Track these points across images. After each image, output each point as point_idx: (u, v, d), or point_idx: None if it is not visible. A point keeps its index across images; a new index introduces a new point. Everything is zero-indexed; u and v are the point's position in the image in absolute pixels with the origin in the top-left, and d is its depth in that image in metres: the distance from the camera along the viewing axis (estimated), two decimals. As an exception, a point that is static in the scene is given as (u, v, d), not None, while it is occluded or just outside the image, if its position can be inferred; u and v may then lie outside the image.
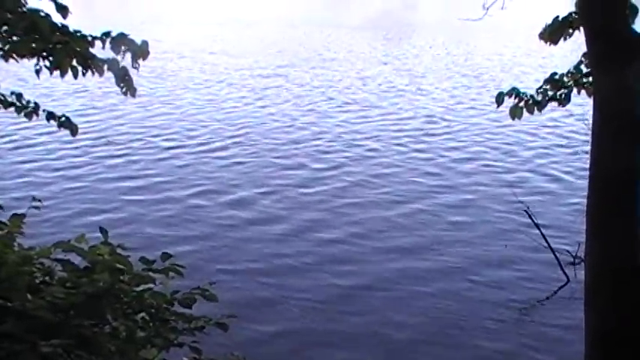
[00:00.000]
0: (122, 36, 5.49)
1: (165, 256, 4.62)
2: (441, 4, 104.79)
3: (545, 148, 21.16)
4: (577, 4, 5.23)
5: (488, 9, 7.26)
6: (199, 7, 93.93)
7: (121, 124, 22.98)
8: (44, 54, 5.61)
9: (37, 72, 5.84)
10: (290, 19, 69.89)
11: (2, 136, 20.31)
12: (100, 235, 4.57)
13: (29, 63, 6.00)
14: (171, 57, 37.18)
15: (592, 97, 4.90)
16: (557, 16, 6.68)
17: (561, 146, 21.28)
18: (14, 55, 5.87)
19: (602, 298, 4.88)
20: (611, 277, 4.82)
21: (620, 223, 4.73)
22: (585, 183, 4.93)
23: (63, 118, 6.89)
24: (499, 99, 7.56)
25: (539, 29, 6.98)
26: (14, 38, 5.68)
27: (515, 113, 7.48)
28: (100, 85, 22.37)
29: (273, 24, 64.56)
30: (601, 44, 4.58)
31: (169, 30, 57.20)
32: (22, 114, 6.93)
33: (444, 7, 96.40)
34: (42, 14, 5.47)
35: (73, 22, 5.77)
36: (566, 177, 18.21)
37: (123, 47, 5.47)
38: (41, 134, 19.72)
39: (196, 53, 41.72)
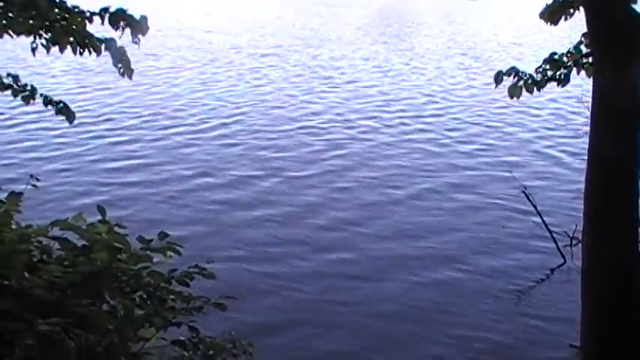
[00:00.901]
0: (121, 11, 5.42)
1: (163, 235, 4.61)
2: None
3: (544, 129, 21.16)
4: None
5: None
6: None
7: (117, 103, 22.85)
8: (41, 31, 5.53)
9: (34, 50, 5.75)
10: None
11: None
12: (97, 214, 4.56)
13: (19, 40, 5.93)
14: (166, 34, 36.96)
15: (592, 80, 4.86)
16: (557, -5, 6.62)
17: (561, 127, 21.29)
18: (10, 32, 5.79)
19: (599, 286, 4.86)
20: (607, 265, 4.80)
21: (617, 211, 4.71)
22: (584, 165, 4.91)
23: (61, 104, 6.81)
24: (498, 78, 7.49)
25: (539, 9, 6.92)
26: (10, 15, 5.61)
27: (514, 92, 7.42)
28: (94, 62, 22.22)
29: (270, 2, 64.19)
30: (601, 27, 4.54)
31: (164, 6, 56.87)
32: (19, 97, 6.83)
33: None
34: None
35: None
36: (565, 158, 18.22)
37: (122, 23, 5.40)
38: (37, 112, 19.59)
39: (192, 31, 41.59)
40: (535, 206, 12.95)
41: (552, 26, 6.89)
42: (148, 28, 5.47)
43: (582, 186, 4.84)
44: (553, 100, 23.49)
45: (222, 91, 25.41)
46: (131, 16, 5.45)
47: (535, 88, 7.48)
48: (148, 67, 27.90)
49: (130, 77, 5.85)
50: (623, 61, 4.48)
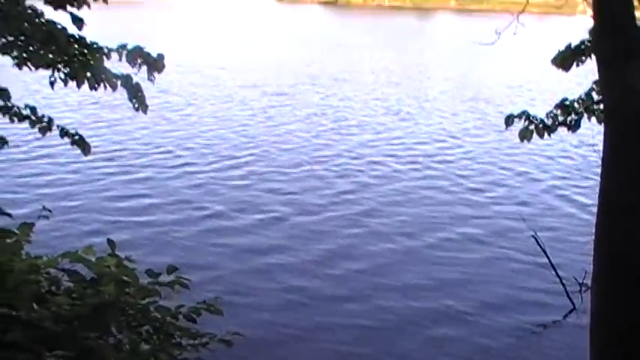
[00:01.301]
0: (138, 49, 5.52)
1: (171, 268, 4.62)
2: (453, 27, 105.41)
3: (554, 174, 21.15)
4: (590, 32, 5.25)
5: (500, 34, 7.30)
6: (211, 21, 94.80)
7: (130, 138, 23.10)
8: (59, 65, 5.64)
9: (52, 83, 5.87)
10: (302, 37, 70.30)
11: (16, 147, 20.30)
12: (107, 248, 4.58)
13: (36, 73, 6.04)
14: (180, 71, 37.35)
15: (603, 125, 4.88)
16: (570, 44, 6.71)
17: (571, 173, 21.27)
18: (29, 64, 5.91)
19: (608, 333, 4.83)
20: (616, 312, 4.78)
21: (628, 258, 4.69)
22: (595, 211, 4.91)
23: (77, 136, 6.90)
24: (509, 121, 7.59)
25: (551, 54, 7.01)
26: (31, 48, 5.74)
27: (525, 135, 7.50)
28: (110, 96, 22.47)
29: (284, 41, 64.91)
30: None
31: (180, 44, 57.58)
32: (36, 128, 6.93)
33: (457, 30, 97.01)
34: (59, 26, 5.52)
35: (87, 34, 5.81)
36: (576, 204, 18.18)
37: (139, 60, 5.50)
38: (53, 146, 19.73)
39: (206, 68, 41.99)
40: (545, 251, 12.91)
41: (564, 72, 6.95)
42: (164, 66, 5.58)
43: (593, 232, 4.83)
44: (564, 145, 23.50)
45: (235, 131, 25.50)
46: (148, 54, 5.56)
47: (546, 133, 7.54)
48: (161, 103, 28.19)
49: (145, 112, 5.94)
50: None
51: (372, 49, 59.13)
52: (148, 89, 6.03)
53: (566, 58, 6.68)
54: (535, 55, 49.91)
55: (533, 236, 13.26)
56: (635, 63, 4.45)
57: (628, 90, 4.48)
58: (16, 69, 6.12)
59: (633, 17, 4.68)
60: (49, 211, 5.04)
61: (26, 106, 7.06)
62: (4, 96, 6.92)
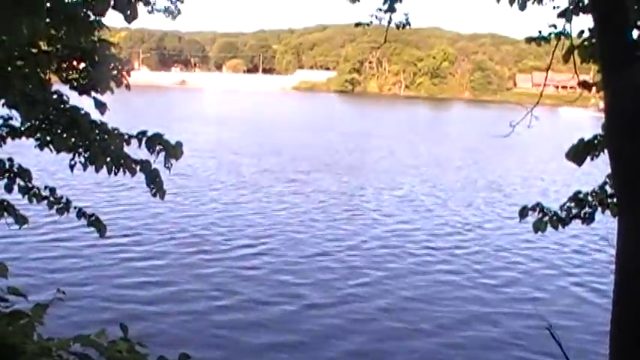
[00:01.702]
0: (157, 136, 5.66)
1: (184, 356, 4.57)
2: (467, 117, 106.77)
3: (569, 265, 20.94)
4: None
5: (514, 127, 7.40)
6: (232, 107, 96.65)
7: (147, 223, 23.21)
8: (80, 149, 5.78)
9: (72, 167, 6.00)
10: (318, 125, 71.43)
11: (33, 228, 20.34)
12: (120, 332, 4.56)
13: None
14: (195, 155, 37.88)
15: (617, 220, 4.89)
16: (583, 138, 6.80)
17: (585, 265, 21.05)
18: (51, 147, 6.06)
19: None
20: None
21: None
22: (609, 304, 4.85)
23: (93, 217, 7.01)
24: (523, 213, 7.61)
25: (564, 146, 7.09)
26: (53, 132, 5.91)
27: (539, 227, 7.50)
28: (127, 179, 22.69)
29: (301, 128, 65.93)
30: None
31: (200, 128, 58.68)
32: (54, 209, 7.07)
33: (471, 120, 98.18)
34: (82, 112, 5.69)
35: (109, 118, 5.97)
36: (590, 296, 17.94)
37: (158, 147, 5.63)
38: (69, 229, 19.82)
39: (220, 153, 42.66)
40: (559, 344, 12.63)
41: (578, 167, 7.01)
42: (182, 153, 5.69)
43: (607, 326, 4.77)
44: (578, 237, 23.36)
45: (249, 218, 25.49)
46: (167, 141, 5.69)
47: (560, 225, 7.55)
48: (176, 186, 28.46)
49: (162, 198, 6.03)
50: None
51: (387, 138, 59.94)
52: (165, 172, 6.14)
53: (580, 152, 6.74)
54: (549, 147, 50.59)
55: (547, 329, 13.01)
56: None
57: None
58: (37, 149, 6.31)
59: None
60: (64, 293, 5.05)
61: (46, 187, 7.22)
62: (25, 177, 7.07)
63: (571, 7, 7.08)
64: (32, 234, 18.90)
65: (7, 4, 3.57)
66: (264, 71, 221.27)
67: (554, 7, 7.48)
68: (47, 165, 26.86)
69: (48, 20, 5.10)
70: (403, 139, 60.59)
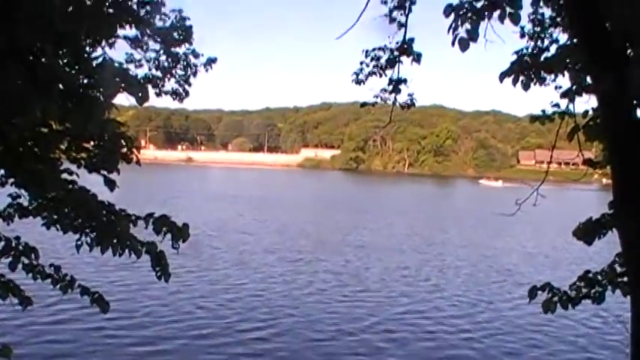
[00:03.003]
0: (164, 218, 5.68)
1: None
2: (472, 194, 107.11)
3: (580, 348, 20.53)
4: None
5: (520, 205, 7.42)
6: (233, 183, 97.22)
7: (147, 299, 22.99)
8: (87, 230, 5.80)
9: (78, 247, 6.01)
10: (323, 202, 71.63)
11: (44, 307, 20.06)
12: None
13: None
14: (200, 234, 37.82)
15: (630, 299, 4.84)
16: (591, 217, 6.81)
17: (598, 346, 20.66)
18: (58, 226, 6.09)
19: None
20: None
21: None
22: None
23: (96, 295, 7.01)
24: (532, 293, 7.55)
25: (570, 223, 7.10)
26: (61, 212, 5.94)
27: (548, 307, 7.44)
28: (132, 259, 22.53)
29: (306, 205, 66.08)
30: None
31: (202, 205, 58.87)
32: (58, 287, 7.08)
33: (476, 198, 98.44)
34: (90, 192, 5.73)
35: (117, 194, 5.99)
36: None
37: (164, 229, 5.65)
38: (77, 309, 19.59)
39: (228, 232, 42.59)
40: None
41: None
42: (188, 236, 5.71)
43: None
44: (588, 315, 23.00)
45: (250, 295, 25.18)
46: (174, 223, 5.72)
47: (570, 305, 7.48)
48: (179, 265, 28.21)
49: (167, 281, 6.00)
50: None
51: (391, 216, 59.95)
52: (168, 250, 6.13)
53: (588, 231, 6.75)
54: (554, 225, 50.46)
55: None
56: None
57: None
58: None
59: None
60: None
61: (51, 265, 7.25)
62: (31, 255, 7.09)
63: (574, 87, 7.20)
64: (37, 315, 18.70)
65: (22, 88, 3.66)
66: (270, 149, 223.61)
67: (556, 87, 7.62)
68: (52, 241, 26.82)
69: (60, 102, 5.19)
70: (408, 217, 60.59)
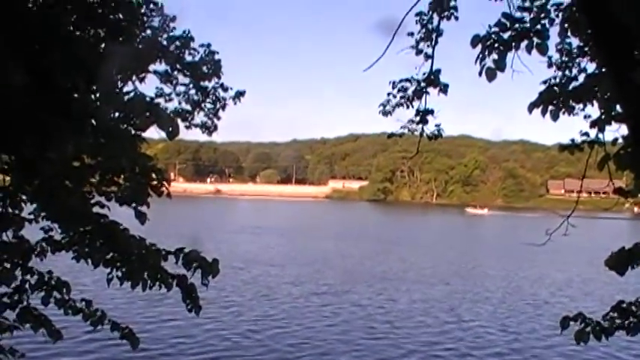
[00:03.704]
0: (194, 253, 5.71)
1: None
2: (500, 225, 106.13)
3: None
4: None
5: (550, 235, 7.34)
6: (261, 215, 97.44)
7: (176, 335, 22.94)
8: (118, 264, 5.85)
9: (109, 281, 6.05)
10: (350, 234, 71.43)
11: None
12: None
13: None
14: (232, 266, 37.83)
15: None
16: (624, 247, 6.72)
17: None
18: (89, 261, 6.15)
19: None
20: None
21: None
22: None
23: (126, 330, 7.03)
24: (564, 324, 7.44)
25: (601, 253, 7.00)
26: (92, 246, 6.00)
27: (581, 337, 7.32)
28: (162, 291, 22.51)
29: (333, 237, 65.92)
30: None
31: (230, 238, 59.03)
32: (89, 322, 7.12)
33: (504, 228, 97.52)
34: (121, 227, 5.79)
35: (147, 226, 6.03)
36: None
37: (194, 264, 5.67)
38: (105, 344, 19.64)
39: (255, 264, 42.57)
40: None
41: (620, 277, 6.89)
42: (218, 271, 5.72)
43: None
44: (620, 350, 22.52)
45: (278, 328, 25.00)
46: (204, 259, 5.74)
47: (603, 336, 7.35)
48: (208, 298, 28.16)
49: (197, 314, 6.01)
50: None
51: (420, 247, 59.62)
52: (196, 283, 6.13)
53: (621, 261, 6.65)
54: (584, 254, 49.74)
55: None
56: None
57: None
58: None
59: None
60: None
61: (82, 299, 7.30)
62: (62, 289, 7.15)
63: (603, 116, 7.15)
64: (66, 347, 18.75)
65: (56, 122, 3.74)
66: (297, 181, 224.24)
67: (585, 117, 7.58)
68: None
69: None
70: (436, 248, 60.15)
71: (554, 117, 6.77)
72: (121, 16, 6.94)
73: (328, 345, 22.90)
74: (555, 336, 22.47)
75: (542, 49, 5.68)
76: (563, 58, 7.79)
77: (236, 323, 25.69)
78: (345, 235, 69.83)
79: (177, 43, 7.95)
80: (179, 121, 9.59)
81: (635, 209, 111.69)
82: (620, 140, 7.01)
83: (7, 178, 6.02)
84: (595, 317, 7.51)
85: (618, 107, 6.66)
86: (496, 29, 5.83)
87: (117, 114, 5.53)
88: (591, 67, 7.49)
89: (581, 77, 7.57)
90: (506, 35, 5.76)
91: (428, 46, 8.34)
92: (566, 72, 7.75)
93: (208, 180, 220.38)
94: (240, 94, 10.08)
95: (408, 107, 8.79)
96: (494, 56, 5.68)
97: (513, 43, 5.73)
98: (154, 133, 5.98)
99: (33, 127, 4.73)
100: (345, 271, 41.68)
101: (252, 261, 44.20)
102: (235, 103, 10.04)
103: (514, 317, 29.27)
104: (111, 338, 7.67)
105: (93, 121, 5.20)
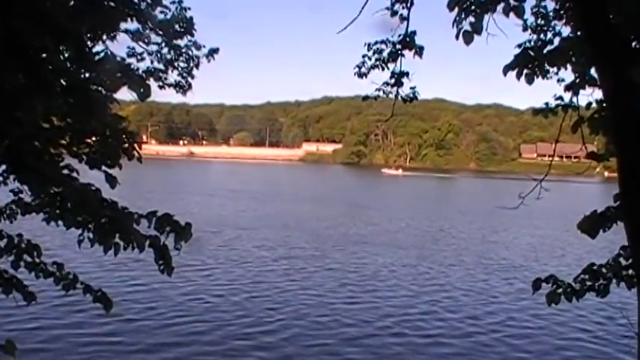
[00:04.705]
0: (167, 217, 5.65)
1: None
2: (474, 189, 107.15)
3: (583, 338, 20.52)
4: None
5: (523, 199, 7.40)
6: (234, 178, 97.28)
7: (148, 297, 22.93)
8: (90, 226, 5.77)
9: (80, 242, 5.98)
10: (323, 197, 71.66)
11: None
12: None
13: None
14: (200, 229, 37.66)
15: (637, 293, 4.82)
16: (596, 210, 6.79)
17: (600, 337, 20.65)
18: (61, 223, 6.08)
19: None
20: None
21: None
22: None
23: (99, 293, 6.99)
24: (536, 285, 7.55)
25: (573, 216, 7.08)
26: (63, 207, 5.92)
27: (553, 299, 7.45)
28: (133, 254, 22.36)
29: (306, 201, 66.09)
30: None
31: (203, 201, 58.93)
32: (61, 285, 7.09)
33: (478, 192, 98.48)
34: (93, 188, 5.70)
35: (118, 190, 5.95)
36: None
37: (167, 228, 5.62)
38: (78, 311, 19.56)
39: (227, 229, 42.52)
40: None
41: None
42: (191, 235, 5.68)
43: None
44: (592, 308, 22.97)
45: (247, 292, 24.89)
46: (176, 222, 5.69)
47: (574, 297, 7.48)
48: (179, 261, 27.98)
49: (170, 275, 5.98)
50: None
51: (393, 211, 59.95)
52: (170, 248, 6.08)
53: (593, 224, 6.72)
54: (557, 218, 50.48)
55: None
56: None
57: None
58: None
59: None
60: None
61: (54, 263, 7.24)
62: (34, 253, 7.08)
63: (577, 80, 7.16)
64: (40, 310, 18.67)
65: (23, 84, 3.63)
66: (271, 144, 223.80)
67: (559, 80, 7.57)
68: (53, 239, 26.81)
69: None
70: (409, 212, 60.57)
71: (529, 80, 6.76)
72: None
73: (301, 308, 22.99)
74: (527, 298, 22.82)
75: (519, 12, 5.65)
76: (539, 22, 7.74)
77: (209, 287, 25.68)
78: (321, 199, 70.04)
79: (149, 0, 7.77)
80: (152, 80, 9.46)
81: (606, 173, 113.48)
82: (594, 105, 7.05)
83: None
84: (567, 280, 7.63)
85: (592, 71, 6.68)
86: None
87: (87, 75, 5.41)
88: (566, 30, 7.47)
89: (556, 41, 7.54)
90: (483, -3, 5.70)
91: (403, 7, 8.24)
92: (542, 35, 7.71)
93: (181, 142, 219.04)
94: (213, 52, 9.92)
95: (383, 69, 8.72)
96: (471, 19, 5.63)
97: (490, 6, 5.68)
98: (126, 94, 5.87)
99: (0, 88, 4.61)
100: (320, 235, 41.87)
101: (224, 224, 44.20)
102: (209, 61, 9.89)
103: (487, 279, 29.69)
104: (84, 301, 7.65)
105: (62, 82, 5.08)
